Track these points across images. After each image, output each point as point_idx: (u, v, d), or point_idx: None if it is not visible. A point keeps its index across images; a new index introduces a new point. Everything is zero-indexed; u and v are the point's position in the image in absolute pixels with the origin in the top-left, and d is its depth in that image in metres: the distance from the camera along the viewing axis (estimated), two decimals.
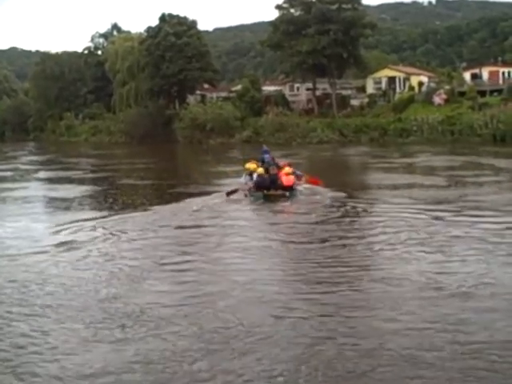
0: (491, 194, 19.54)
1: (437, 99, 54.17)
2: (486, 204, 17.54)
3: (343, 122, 55.35)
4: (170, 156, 51.33)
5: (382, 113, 55.76)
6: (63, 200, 22.26)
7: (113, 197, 23.23)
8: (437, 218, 15.60)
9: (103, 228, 15.84)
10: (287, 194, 19.90)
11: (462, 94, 54.40)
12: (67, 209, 20.32)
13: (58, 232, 15.65)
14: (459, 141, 46.18)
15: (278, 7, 62.20)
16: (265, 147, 24.16)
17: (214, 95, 75.28)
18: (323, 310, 9.11)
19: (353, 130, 53.72)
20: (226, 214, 17.91)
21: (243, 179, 21.74)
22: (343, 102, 62.03)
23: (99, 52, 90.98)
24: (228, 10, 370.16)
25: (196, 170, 32.11)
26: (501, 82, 58.18)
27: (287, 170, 20.52)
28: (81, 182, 29.03)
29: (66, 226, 16.26)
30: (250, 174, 21.40)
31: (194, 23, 72.40)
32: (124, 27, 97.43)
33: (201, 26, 76.31)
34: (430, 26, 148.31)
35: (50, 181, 30.89)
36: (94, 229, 15.81)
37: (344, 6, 59.29)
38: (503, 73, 60.15)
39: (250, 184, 20.78)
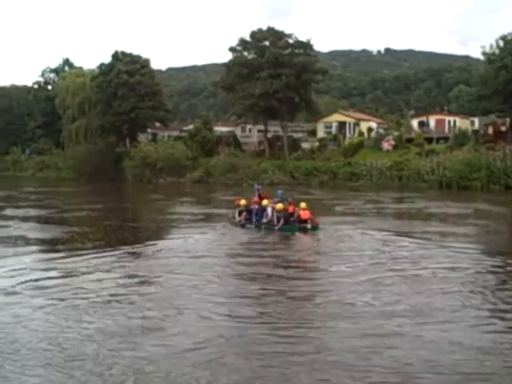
0: None
1: (385, 145, 55.30)
2: None
3: (294, 164, 55.81)
4: (127, 195, 50.79)
5: (333, 157, 56.52)
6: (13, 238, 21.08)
7: (87, 238, 21.58)
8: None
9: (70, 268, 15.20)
10: (309, 226, 21.22)
11: (410, 140, 55.78)
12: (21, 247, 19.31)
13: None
14: (407, 186, 47.04)
15: (232, 49, 62.89)
16: (258, 185, 25.85)
17: (166, 134, 75.17)
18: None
19: (303, 172, 54.17)
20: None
21: (237, 215, 23.18)
22: (294, 144, 62.66)
23: (49, 87, 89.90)
24: (181, 51, 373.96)
25: (160, 211, 31.31)
26: (447, 130, 59.95)
27: (303, 205, 21.77)
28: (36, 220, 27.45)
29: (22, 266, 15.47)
30: (247, 209, 22.86)
31: (146, 62, 72.34)
32: (76, 63, 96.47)
33: (154, 65, 76.14)
34: (379, 74, 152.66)
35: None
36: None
37: (296, 51, 60.60)
38: (449, 121, 62.04)
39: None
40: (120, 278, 14.07)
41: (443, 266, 15.19)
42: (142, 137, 73.49)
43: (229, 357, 8.64)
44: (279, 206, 21.82)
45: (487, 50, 52.75)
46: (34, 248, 19.13)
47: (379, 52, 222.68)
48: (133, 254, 17.48)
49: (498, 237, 21.66)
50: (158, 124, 74.44)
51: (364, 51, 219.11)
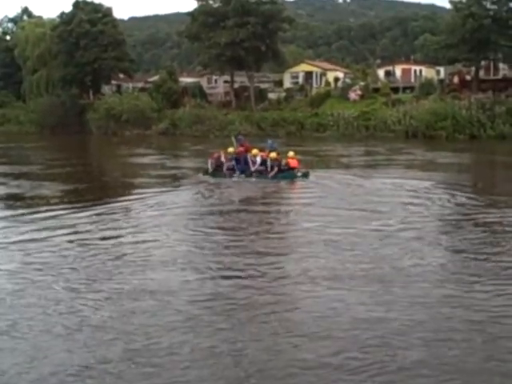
0: None
1: (352, 95, 55.20)
2: None
3: (261, 115, 55.45)
4: (97, 149, 49.68)
5: (299, 107, 56.27)
6: None
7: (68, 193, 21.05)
8: None
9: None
10: (299, 174, 22.07)
11: (376, 90, 55.74)
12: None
13: None
14: (374, 136, 47.26)
15: None
16: (240, 135, 26.39)
17: (130, 86, 73.72)
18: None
19: (270, 123, 53.88)
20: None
21: (209, 166, 23.33)
22: (261, 95, 62.01)
23: (8, 37, 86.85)
24: (143, 0, 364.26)
25: (142, 166, 30.64)
26: (413, 79, 60.06)
27: (291, 153, 22.61)
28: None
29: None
30: (235, 159, 22.84)
31: (109, 10, 70.22)
32: (35, 12, 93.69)
33: (116, 15, 74.09)
34: (344, 23, 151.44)
35: None
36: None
37: None
38: (415, 71, 62.09)
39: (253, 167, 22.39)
40: (118, 238, 13.52)
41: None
42: (105, 88, 72.01)
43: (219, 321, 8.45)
44: (273, 154, 22.16)
45: None
46: (29, 205, 18.38)
47: (345, 0, 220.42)
48: (126, 209, 17.09)
49: None
50: (121, 75, 72.91)
51: (329, 0, 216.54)
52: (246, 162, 22.46)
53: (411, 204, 16.82)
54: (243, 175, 22.29)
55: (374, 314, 8.38)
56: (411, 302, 8.84)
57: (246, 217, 15.66)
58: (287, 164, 22.10)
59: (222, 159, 23.23)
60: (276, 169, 21.79)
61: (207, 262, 11.17)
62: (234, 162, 22.76)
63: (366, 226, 13.94)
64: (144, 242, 12.92)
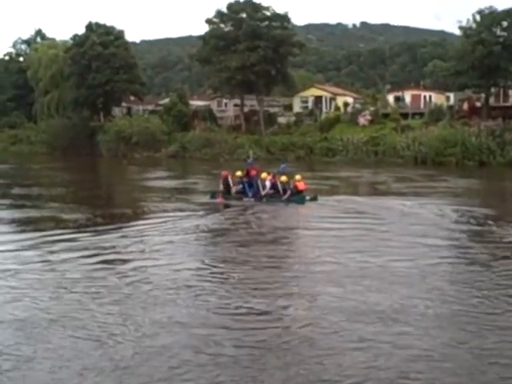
0: None
1: (361, 120, 55.31)
2: None
3: (270, 139, 55.60)
4: (110, 172, 50.01)
5: (309, 132, 56.39)
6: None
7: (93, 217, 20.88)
8: None
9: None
10: (308, 197, 22.40)
11: (386, 115, 55.83)
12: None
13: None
14: (383, 161, 47.21)
15: (209, 21, 62.00)
16: (249, 159, 26.33)
17: (141, 108, 74.28)
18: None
19: (280, 147, 53.99)
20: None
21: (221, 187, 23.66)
22: (270, 119, 62.25)
23: (21, 59, 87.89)
24: (155, 23, 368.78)
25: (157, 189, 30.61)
26: (422, 105, 60.15)
27: (298, 177, 22.97)
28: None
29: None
30: (242, 182, 23.34)
31: (121, 33, 71.06)
32: (48, 34, 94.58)
33: (127, 38, 74.70)
34: (354, 49, 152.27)
35: None
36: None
37: (274, 23, 60.02)
38: (424, 96, 62.18)
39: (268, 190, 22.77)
40: (143, 264, 13.42)
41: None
42: (116, 111, 72.52)
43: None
44: (283, 178, 22.68)
45: (464, 24, 52.73)
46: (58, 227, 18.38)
47: (355, 26, 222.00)
48: (146, 234, 17.06)
49: None
50: (132, 98, 73.44)
51: (339, 25, 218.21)
52: (256, 186, 22.75)
53: (474, 234, 16.78)
54: (253, 199, 22.53)
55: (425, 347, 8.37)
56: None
57: (286, 244, 15.68)
58: (295, 187, 22.44)
59: (230, 182, 23.54)
60: (289, 192, 22.21)
61: (239, 293, 10.99)
62: (243, 185, 23.06)
63: (429, 258, 13.61)
64: (168, 268, 12.86)
